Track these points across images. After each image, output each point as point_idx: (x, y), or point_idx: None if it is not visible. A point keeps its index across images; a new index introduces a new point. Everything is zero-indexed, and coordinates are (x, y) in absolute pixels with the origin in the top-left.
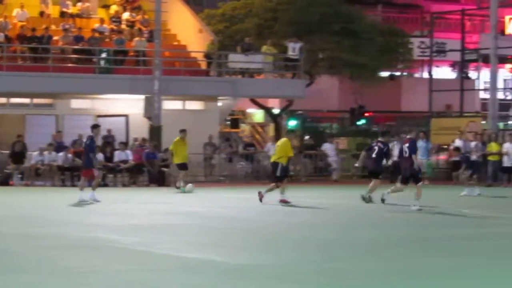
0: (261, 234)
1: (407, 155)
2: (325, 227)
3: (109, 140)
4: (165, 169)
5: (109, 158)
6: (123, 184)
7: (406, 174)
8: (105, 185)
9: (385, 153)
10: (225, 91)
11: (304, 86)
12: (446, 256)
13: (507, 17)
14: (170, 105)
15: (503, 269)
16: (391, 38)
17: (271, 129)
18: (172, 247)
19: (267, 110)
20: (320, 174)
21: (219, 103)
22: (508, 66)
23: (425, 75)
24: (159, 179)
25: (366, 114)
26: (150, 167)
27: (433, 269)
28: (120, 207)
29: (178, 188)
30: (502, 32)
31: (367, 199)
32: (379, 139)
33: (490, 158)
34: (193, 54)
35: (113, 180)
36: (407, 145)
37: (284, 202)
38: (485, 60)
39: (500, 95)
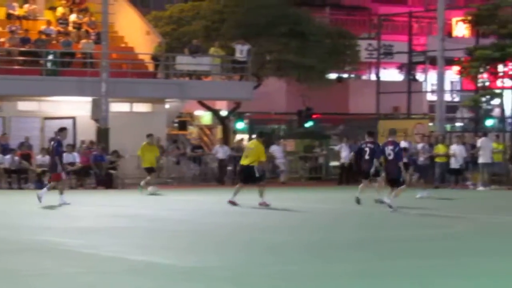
0: (209, 237)
1: (391, 157)
2: (274, 229)
3: None
4: (112, 171)
5: None
6: (71, 186)
7: (392, 176)
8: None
9: (375, 152)
10: (172, 93)
11: (251, 88)
12: (396, 258)
13: (454, 20)
14: (117, 107)
15: (453, 269)
16: (339, 40)
17: (218, 131)
18: (120, 249)
19: (215, 112)
20: (267, 176)
21: (167, 105)
22: (455, 68)
23: (373, 77)
24: (107, 182)
25: (314, 116)
26: (98, 169)
27: (382, 270)
28: (68, 210)
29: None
30: (449, 34)
31: (378, 201)
32: (367, 140)
33: (438, 160)
34: (140, 56)
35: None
36: (391, 147)
37: (232, 203)
38: (432, 62)
39: (447, 97)
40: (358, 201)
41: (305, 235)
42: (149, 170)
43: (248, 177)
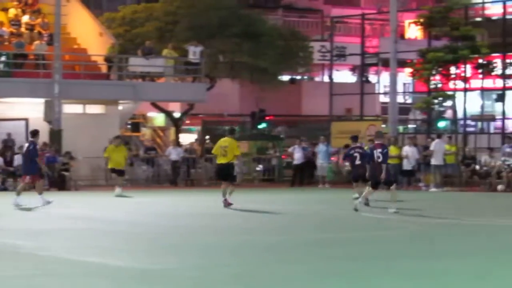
0: (164, 239)
1: (380, 160)
2: (228, 231)
3: (9, 144)
4: (65, 173)
5: (9, 162)
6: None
7: (377, 179)
8: (4, 189)
9: (364, 156)
10: (126, 95)
11: (205, 90)
12: (349, 259)
13: (406, 22)
14: (70, 108)
15: (401, 270)
16: (292, 42)
17: (172, 133)
18: (74, 251)
19: (168, 114)
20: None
21: (120, 107)
22: (407, 70)
23: (326, 79)
24: (60, 183)
25: (267, 118)
26: (50, 171)
27: (335, 272)
28: (20, 212)
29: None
30: (402, 36)
31: (366, 203)
32: (353, 145)
33: (390, 161)
34: (93, 58)
35: (13, 184)
36: (379, 150)
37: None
38: (385, 64)
39: (399, 99)
40: (366, 203)
41: (262, 236)
42: (117, 172)
43: (228, 174)
